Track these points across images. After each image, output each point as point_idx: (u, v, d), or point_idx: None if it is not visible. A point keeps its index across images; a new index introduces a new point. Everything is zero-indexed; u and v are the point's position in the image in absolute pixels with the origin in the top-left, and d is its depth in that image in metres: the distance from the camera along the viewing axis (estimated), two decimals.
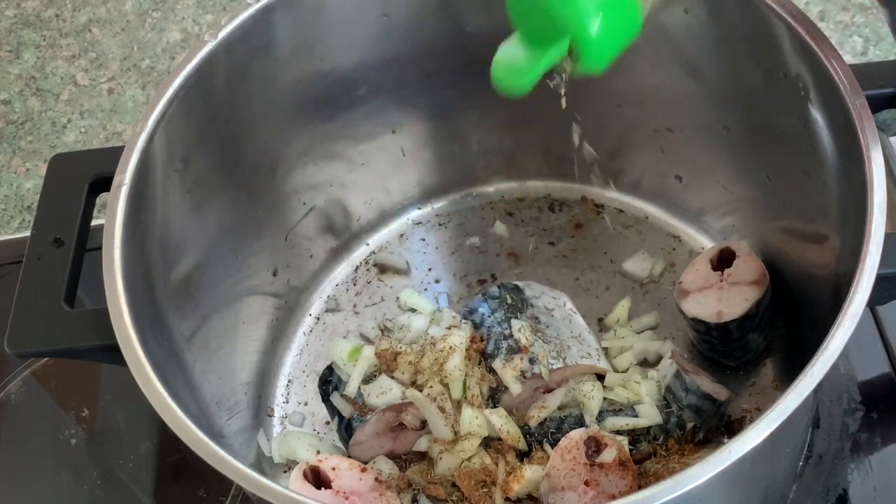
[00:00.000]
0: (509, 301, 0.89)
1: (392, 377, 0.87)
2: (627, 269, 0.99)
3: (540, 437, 0.85)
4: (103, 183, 0.82)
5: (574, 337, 0.88)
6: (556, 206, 1.05)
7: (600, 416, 0.84)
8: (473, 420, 0.84)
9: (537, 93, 0.97)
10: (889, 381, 0.91)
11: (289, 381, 0.98)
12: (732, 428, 0.86)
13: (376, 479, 0.80)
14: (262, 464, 0.90)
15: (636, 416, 0.84)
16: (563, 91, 0.79)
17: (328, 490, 0.78)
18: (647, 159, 1.00)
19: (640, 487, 0.76)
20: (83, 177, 0.83)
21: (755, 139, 0.87)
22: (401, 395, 0.85)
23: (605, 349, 0.91)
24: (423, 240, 1.05)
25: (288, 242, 0.98)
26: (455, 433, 0.84)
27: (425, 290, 1.01)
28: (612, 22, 0.66)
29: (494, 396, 0.86)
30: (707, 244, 0.99)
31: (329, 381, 0.90)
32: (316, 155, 0.96)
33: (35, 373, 1.03)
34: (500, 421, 0.84)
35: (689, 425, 0.83)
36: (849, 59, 0.86)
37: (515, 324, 0.87)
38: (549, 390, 0.85)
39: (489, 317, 0.89)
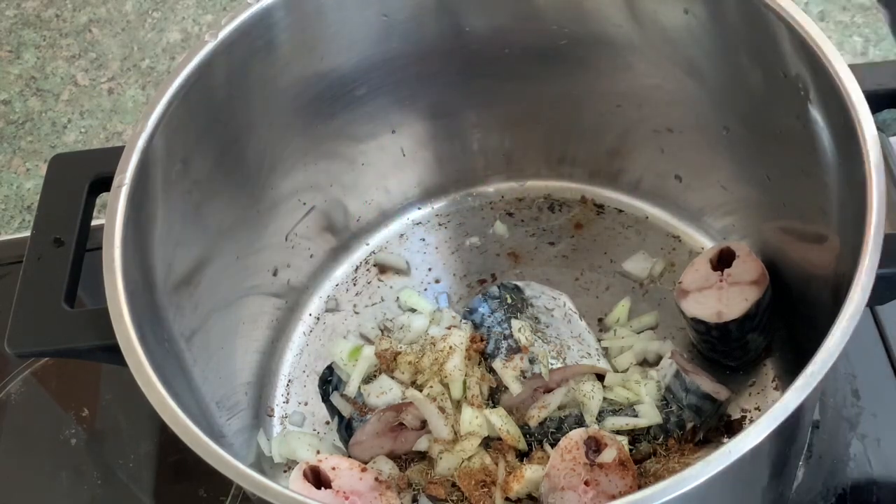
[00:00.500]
0: (509, 301, 0.90)
1: (392, 377, 0.87)
2: (627, 269, 0.99)
3: (540, 437, 0.85)
4: (103, 183, 0.82)
5: (574, 337, 0.88)
6: (556, 206, 1.05)
7: (600, 416, 0.84)
8: (473, 420, 0.84)
9: (538, 93, 0.98)
10: (889, 381, 0.91)
11: (289, 381, 0.98)
12: (732, 428, 0.86)
13: (376, 479, 0.80)
14: (262, 464, 0.90)
15: (636, 416, 0.84)
16: None
17: (328, 490, 0.78)
18: (647, 159, 1.00)
19: (640, 487, 0.76)
20: (83, 177, 0.83)
21: (755, 139, 0.87)
22: (401, 395, 0.85)
23: (605, 349, 0.91)
24: (423, 240, 1.05)
25: (288, 242, 0.98)
26: (455, 433, 0.84)
27: (425, 290, 1.01)
28: None
29: (494, 396, 0.86)
30: (707, 244, 0.99)
31: (329, 381, 0.90)
32: (316, 155, 0.96)
33: (35, 373, 1.03)
34: (500, 421, 0.84)
35: (689, 425, 0.83)
36: (849, 59, 0.86)
37: (515, 324, 0.87)
38: (549, 390, 0.85)
39: (489, 317, 0.89)
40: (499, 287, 0.91)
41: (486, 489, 0.82)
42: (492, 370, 0.86)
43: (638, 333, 0.93)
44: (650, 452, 0.84)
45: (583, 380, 0.86)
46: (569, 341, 0.87)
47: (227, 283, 0.90)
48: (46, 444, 0.99)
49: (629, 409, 0.84)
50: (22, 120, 1.47)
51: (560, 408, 0.85)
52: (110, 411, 1.00)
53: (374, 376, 0.88)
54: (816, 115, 0.75)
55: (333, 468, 0.79)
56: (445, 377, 0.85)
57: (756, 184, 0.90)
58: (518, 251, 1.02)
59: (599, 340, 0.91)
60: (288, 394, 0.97)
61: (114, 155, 0.76)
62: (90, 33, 1.58)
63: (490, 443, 0.85)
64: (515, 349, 0.85)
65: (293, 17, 0.85)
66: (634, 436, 0.84)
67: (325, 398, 0.90)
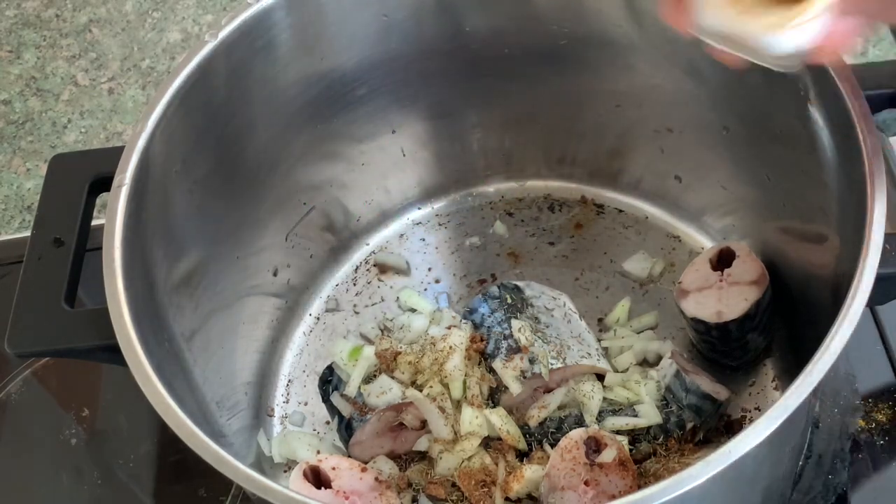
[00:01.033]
0: (509, 301, 0.90)
1: (392, 377, 0.87)
2: (627, 269, 0.99)
3: (540, 437, 0.85)
4: (103, 183, 0.82)
5: (574, 337, 0.88)
6: (556, 206, 1.05)
7: (600, 416, 0.84)
8: (473, 420, 0.84)
9: (537, 93, 0.98)
10: (889, 380, 0.91)
11: (289, 381, 0.98)
12: (732, 428, 0.86)
13: (376, 479, 0.80)
14: (262, 464, 0.90)
15: (636, 416, 0.84)
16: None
17: (328, 490, 0.78)
18: (647, 159, 1.00)
19: (640, 487, 0.76)
20: (83, 177, 0.83)
21: (755, 139, 0.87)
22: (401, 395, 0.85)
23: (605, 349, 0.91)
24: (423, 240, 1.05)
25: (288, 242, 0.98)
26: (455, 433, 0.84)
27: (425, 290, 1.01)
28: None
29: (494, 396, 0.86)
30: (707, 244, 0.99)
31: (329, 381, 0.90)
32: (316, 155, 0.96)
33: (35, 373, 1.03)
34: (500, 421, 0.84)
35: (689, 425, 0.83)
36: (849, 59, 0.86)
37: (515, 324, 0.87)
38: (549, 390, 0.85)
39: (489, 317, 0.89)
40: (499, 287, 0.91)
41: (486, 489, 0.82)
42: (492, 370, 0.86)
43: (638, 333, 0.93)
44: (650, 452, 0.84)
45: (583, 380, 0.86)
46: (569, 341, 0.87)
47: (227, 283, 0.90)
48: (46, 444, 0.99)
49: (629, 409, 0.84)
50: (22, 120, 1.47)
51: (560, 408, 0.85)
52: (110, 411, 1.00)
53: (374, 376, 0.88)
54: (816, 115, 0.75)
55: (333, 468, 0.79)
56: (445, 377, 0.85)
57: (756, 184, 0.90)
58: (518, 251, 1.02)
59: (599, 340, 0.91)
60: (288, 394, 0.97)
61: (114, 155, 0.76)
62: (90, 33, 1.58)
63: (490, 443, 0.85)
64: (515, 349, 0.85)
65: (293, 17, 0.85)
66: (634, 436, 0.84)
67: (326, 398, 0.90)
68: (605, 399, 0.85)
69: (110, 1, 1.60)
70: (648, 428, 0.84)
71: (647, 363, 0.91)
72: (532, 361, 0.84)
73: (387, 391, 0.85)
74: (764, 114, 0.83)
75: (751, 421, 0.86)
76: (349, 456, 0.86)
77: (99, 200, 0.85)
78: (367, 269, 1.04)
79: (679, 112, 0.93)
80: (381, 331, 0.97)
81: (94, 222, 0.83)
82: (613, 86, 0.95)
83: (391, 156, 1.02)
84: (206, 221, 0.86)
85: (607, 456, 0.77)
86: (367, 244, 1.05)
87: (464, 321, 0.90)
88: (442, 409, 0.84)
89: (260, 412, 0.95)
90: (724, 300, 0.86)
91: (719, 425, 0.86)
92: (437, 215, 1.07)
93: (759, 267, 0.87)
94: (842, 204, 0.73)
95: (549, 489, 0.78)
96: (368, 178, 1.02)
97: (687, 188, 0.99)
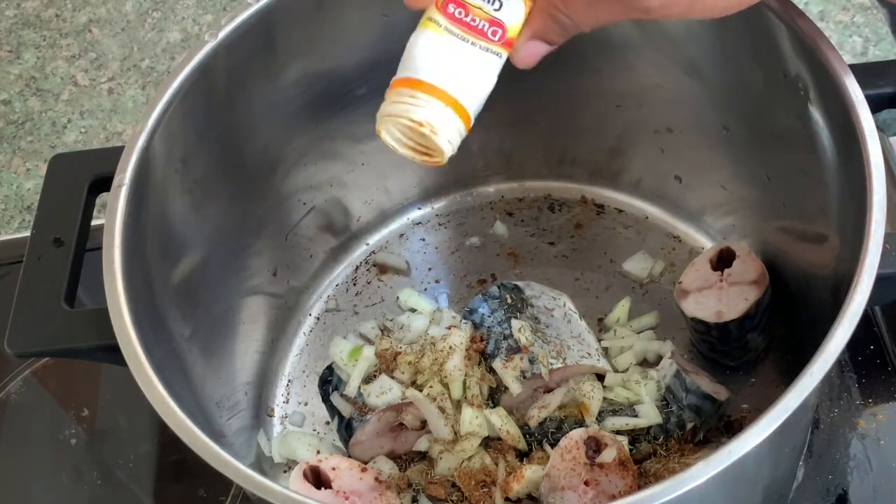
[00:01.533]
0: (509, 301, 0.90)
1: (392, 377, 0.87)
2: (627, 269, 0.99)
3: (540, 437, 0.85)
4: (103, 183, 0.82)
5: (574, 337, 0.88)
6: (556, 206, 1.05)
7: (600, 416, 0.84)
8: (473, 420, 0.84)
9: (537, 93, 0.98)
10: (889, 380, 0.91)
11: (289, 381, 0.98)
12: (732, 428, 0.86)
13: (376, 479, 0.80)
14: (262, 464, 0.90)
15: (636, 416, 0.84)
16: None
17: (328, 490, 0.78)
18: (647, 159, 1.00)
19: (640, 487, 0.76)
20: (83, 177, 0.83)
21: (755, 139, 0.87)
22: (401, 395, 0.85)
23: (605, 349, 0.91)
24: (423, 240, 1.05)
25: (288, 242, 0.98)
26: (455, 433, 0.84)
27: (425, 290, 1.01)
28: None
29: (494, 396, 0.86)
30: (707, 244, 0.99)
31: (329, 381, 0.90)
32: (316, 155, 0.96)
33: (35, 373, 1.03)
34: (500, 421, 0.84)
35: (689, 425, 0.83)
36: (849, 59, 0.86)
37: (515, 324, 0.87)
38: (549, 390, 0.85)
39: (489, 317, 0.89)
40: (499, 287, 0.91)
41: (486, 489, 0.82)
42: (492, 370, 0.86)
43: (638, 333, 0.93)
44: (650, 452, 0.84)
45: (583, 380, 0.86)
46: (569, 341, 0.87)
47: (227, 283, 0.90)
48: (46, 444, 0.99)
49: (629, 409, 0.84)
50: (22, 120, 1.47)
51: (560, 408, 0.85)
52: (110, 411, 1.00)
53: (374, 376, 0.88)
54: (816, 115, 0.75)
55: (333, 468, 0.79)
56: (445, 377, 0.85)
57: (756, 184, 0.90)
58: (518, 251, 1.02)
59: (599, 340, 0.91)
60: (288, 394, 0.97)
61: (114, 155, 0.76)
62: (90, 33, 1.58)
63: (490, 443, 0.85)
64: (515, 349, 0.85)
65: (293, 17, 0.85)
66: (634, 436, 0.84)
67: (326, 398, 0.90)
68: (605, 399, 0.85)
69: (110, 1, 1.60)
70: (648, 428, 0.84)
71: (647, 363, 0.91)
72: (532, 361, 0.84)
73: (387, 391, 0.85)
74: (764, 114, 0.83)
75: (751, 421, 0.86)
76: (349, 456, 0.86)
77: (99, 200, 0.85)
78: (367, 269, 1.04)
79: (679, 112, 0.93)
80: (381, 331, 0.97)
81: (94, 222, 0.83)
82: (613, 86, 0.95)
83: (391, 156, 1.00)
84: (205, 221, 0.86)
85: (607, 456, 0.77)
86: (367, 244, 1.05)
87: (464, 321, 0.90)
88: (442, 409, 0.84)
89: (260, 412, 0.95)
90: (724, 300, 0.86)
91: (719, 425, 0.86)
92: (437, 215, 1.07)
93: (759, 267, 0.87)
94: (842, 204, 0.73)
95: (549, 489, 0.78)
96: (368, 178, 1.02)
97: (687, 188, 0.99)
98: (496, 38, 0.64)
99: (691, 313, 0.87)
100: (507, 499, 0.82)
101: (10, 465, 0.98)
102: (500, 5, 0.64)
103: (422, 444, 0.86)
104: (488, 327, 0.88)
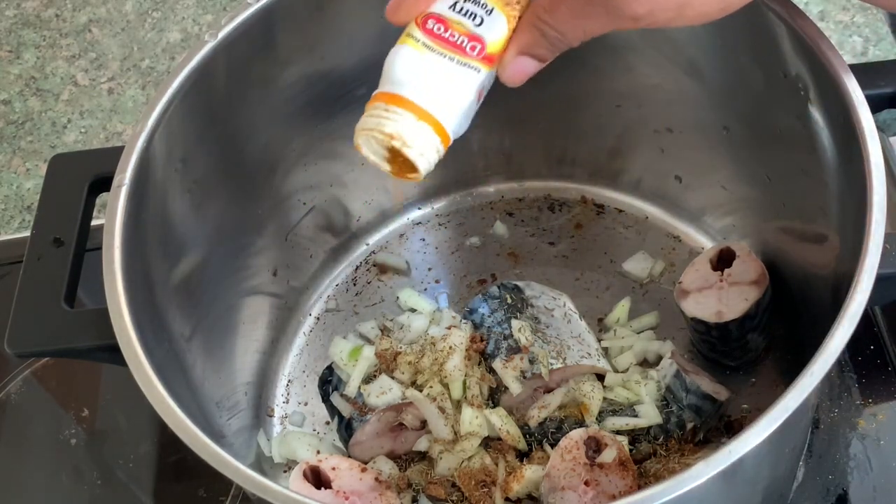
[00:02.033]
0: (509, 301, 0.90)
1: (392, 377, 0.87)
2: (627, 269, 0.99)
3: (540, 437, 0.85)
4: (103, 183, 0.82)
5: (574, 337, 0.88)
6: (556, 206, 1.05)
7: (600, 416, 0.84)
8: (473, 420, 0.84)
9: (537, 93, 0.98)
10: (889, 381, 0.91)
11: (289, 381, 0.98)
12: (732, 428, 0.86)
13: (376, 479, 0.80)
14: (262, 464, 0.90)
15: (636, 416, 0.84)
16: None
17: (328, 490, 0.78)
18: (647, 159, 1.00)
19: (640, 487, 0.76)
20: (83, 177, 0.83)
21: (755, 139, 0.87)
22: (401, 395, 0.85)
23: (605, 349, 0.91)
24: (423, 240, 1.05)
25: (288, 242, 0.98)
26: (455, 433, 0.84)
27: (425, 290, 1.01)
28: None
29: (494, 396, 0.86)
30: (707, 244, 0.99)
31: (329, 381, 0.90)
32: (316, 155, 0.96)
33: (35, 373, 1.03)
34: (500, 421, 0.84)
35: (689, 425, 0.83)
36: (849, 59, 0.86)
37: (515, 324, 0.87)
38: (549, 390, 0.85)
39: (489, 317, 0.89)
40: (499, 287, 0.91)
41: (486, 489, 0.82)
42: (492, 370, 0.86)
43: (638, 333, 0.93)
44: (650, 452, 0.84)
45: (583, 380, 0.86)
46: (569, 341, 0.87)
47: (227, 283, 0.90)
48: (46, 444, 0.99)
49: (629, 409, 0.84)
50: (22, 120, 1.47)
51: (560, 408, 0.85)
52: (110, 411, 1.00)
53: (374, 376, 0.88)
54: (816, 115, 0.75)
55: (333, 468, 0.79)
56: (445, 377, 0.85)
57: (756, 184, 0.90)
58: (518, 251, 1.02)
59: (599, 340, 0.91)
60: (288, 394, 0.97)
61: (114, 155, 0.76)
62: (90, 33, 1.58)
63: (490, 443, 0.85)
64: (515, 349, 0.85)
65: (293, 17, 0.85)
66: (634, 436, 0.84)
67: (325, 398, 0.90)
68: (605, 399, 0.85)
69: (110, 1, 1.60)
70: (648, 428, 0.84)
71: (647, 363, 0.91)
72: (532, 361, 0.84)
73: (387, 391, 0.85)
74: (764, 114, 0.83)
75: (751, 421, 0.86)
76: (349, 456, 0.86)
77: (99, 200, 0.85)
78: (367, 270, 1.04)
79: (679, 112, 0.93)
80: (381, 331, 0.97)
81: (94, 222, 0.83)
82: (613, 86, 0.95)
83: None
84: (205, 221, 0.86)
85: (607, 456, 0.77)
86: (367, 244, 1.05)
87: (464, 321, 0.90)
88: (442, 410, 0.84)
89: (260, 412, 0.95)
90: (724, 300, 0.86)
91: (719, 425, 0.86)
92: (437, 215, 1.07)
93: (759, 267, 0.87)
94: (842, 204, 0.73)
95: (549, 489, 0.78)
96: (368, 178, 1.02)
97: (687, 188, 0.99)
98: (475, 53, 0.64)
99: (691, 313, 0.87)
100: (507, 499, 0.82)
101: (10, 465, 0.98)
102: (482, 21, 0.64)
103: (422, 444, 0.86)
104: (488, 327, 0.88)
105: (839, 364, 0.92)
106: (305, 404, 0.96)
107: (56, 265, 0.78)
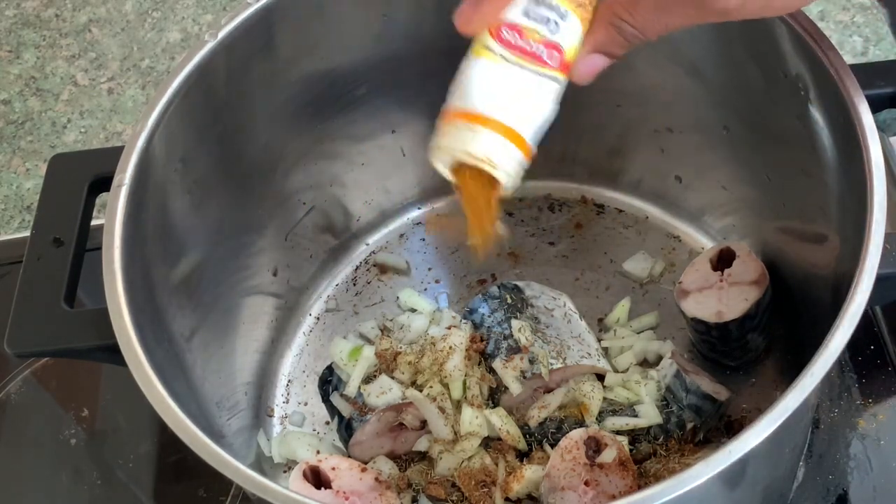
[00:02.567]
0: (509, 301, 0.89)
1: (392, 377, 0.87)
2: (627, 269, 0.99)
3: (540, 437, 0.85)
4: (103, 183, 0.82)
5: (574, 337, 0.88)
6: (556, 206, 1.05)
7: (600, 416, 0.84)
8: (473, 420, 0.84)
9: None
10: (889, 381, 0.91)
11: (289, 381, 0.98)
12: (732, 428, 0.86)
13: (376, 479, 0.80)
14: (262, 464, 0.90)
15: (636, 416, 0.84)
16: None
17: (328, 490, 0.78)
18: (647, 159, 1.00)
19: (640, 487, 0.76)
20: (83, 177, 0.83)
21: (755, 139, 0.87)
22: (401, 395, 0.85)
23: (605, 349, 0.91)
24: (423, 240, 1.05)
25: (288, 242, 0.98)
26: (455, 433, 0.84)
27: (425, 290, 1.01)
28: None
29: (494, 396, 0.86)
30: (707, 244, 0.99)
31: (329, 381, 0.90)
32: (316, 155, 0.96)
33: (35, 373, 1.03)
34: (500, 421, 0.84)
35: (689, 425, 0.83)
36: (849, 59, 0.86)
37: (515, 324, 0.87)
38: (549, 390, 0.85)
39: (489, 317, 0.89)
40: (499, 287, 0.91)
41: (486, 489, 0.82)
42: (492, 370, 0.86)
43: (638, 333, 0.93)
44: (650, 452, 0.84)
45: (583, 380, 0.86)
46: (569, 341, 0.87)
47: (227, 283, 0.90)
48: (46, 444, 0.99)
49: (629, 409, 0.84)
50: (22, 120, 1.47)
51: (560, 408, 0.85)
52: (110, 411, 1.00)
53: (374, 376, 0.88)
54: (816, 115, 0.75)
55: (333, 468, 0.79)
56: (445, 377, 0.85)
57: (756, 184, 0.90)
58: (518, 251, 1.02)
59: (599, 340, 0.91)
60: (288, 394, 0.97)
61: (114, 155, 0.76)
62: (90, 33, 1.58)
63: (490, 443, 0.85)
64: (515, 349, 0.85)
65: (293, 17, 0.85)
66: (634, 436, 0.84)
67: (325, 398, 0.90)
68: (605, 399, 0.85)
69: (110, 1, 1.60)
70: (648, 428, 0.84)
71: (647, 363, 0.91)
72: (532, 361, 0.84)
73: (387, 391, 0.85)
74: (764, 114, 0.83)
75: (751, 421, 0.86)
76: (349, 456, 0.86)
77: (99, 200, 0.85)
78: (367, 269, 1.04)
79: (679, 112, 0.93)
80: (381, 331, 0.97)
81: (94, 222, 0.83)
82: (613, 86, 0.94)
83: (391, 156, 1.02)
84: (205, 221, 0.86)
85: (607, 456, 0.77)
86: (367, 244, 1.05)
87: (464, 321, 0.90)
88: (442, 410, 0.84)
89: (260, 412, 0.95)
90: (724, 300, 0.86)
91: (719, 425, 0.86)
92: (437, 215, 1.07)
93: (759, 267, 0.87)
94: (842, 204, 0.73)
95: (549, 489, 0.78)
96: (368, 178, 1.02)
97: (687, 188, 0.99)
98: (553, 63, 0.62)
99: (691, 313, 0.87)
100: (507, 499, 0.82)
101: (10, 465, 0.98)
102: (557, 27, 0.61)
103: (422, 444, 0.86)
104: (488, 327, 0.88)
105: (839, 364, 0.92)
106: (305, 404, 0.96)
107: (56, 265, 0.78)
